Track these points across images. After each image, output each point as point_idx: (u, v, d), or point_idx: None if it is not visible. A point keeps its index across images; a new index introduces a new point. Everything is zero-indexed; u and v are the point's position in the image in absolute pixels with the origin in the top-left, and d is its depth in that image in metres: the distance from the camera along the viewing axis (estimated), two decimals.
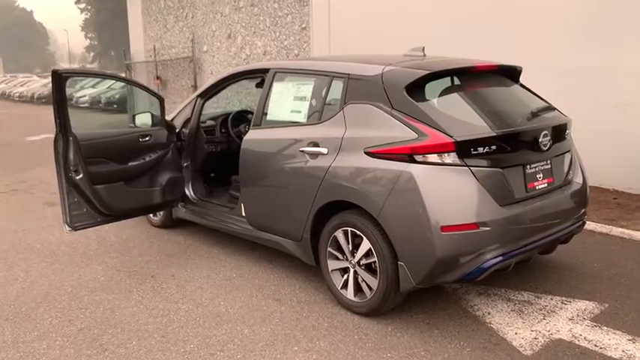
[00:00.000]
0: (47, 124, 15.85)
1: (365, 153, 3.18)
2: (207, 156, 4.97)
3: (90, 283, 4.05)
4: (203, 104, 4.80)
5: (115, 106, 21.71)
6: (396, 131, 3.09)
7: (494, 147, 3.05)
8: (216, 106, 11.63)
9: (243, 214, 4.20)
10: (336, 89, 3.54)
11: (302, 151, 3.56)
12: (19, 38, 75.97)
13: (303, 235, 3.67)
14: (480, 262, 2.98)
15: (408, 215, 2.98)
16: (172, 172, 4.66)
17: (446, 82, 3.45)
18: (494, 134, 3.07)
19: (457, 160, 2.96)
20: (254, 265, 4.29)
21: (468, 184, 2.97)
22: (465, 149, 2.97)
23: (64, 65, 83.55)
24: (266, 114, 4.00)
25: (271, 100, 3.98)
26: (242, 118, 5.24)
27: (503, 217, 3.01)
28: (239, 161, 4.08)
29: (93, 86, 26.73)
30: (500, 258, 3.02)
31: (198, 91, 4.81)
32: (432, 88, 3.32)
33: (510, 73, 3.82)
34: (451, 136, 2.95)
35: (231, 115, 5.16)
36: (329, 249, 3.52)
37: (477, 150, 3.00)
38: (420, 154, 2.97)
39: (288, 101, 3.88)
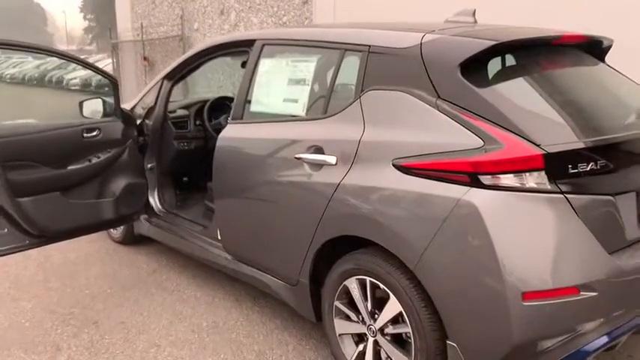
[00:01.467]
0: (28, 108, 14.75)
1: (395, 166, 2.06)
2: (178, 155, 3.84)
3: (7, 332, 2.95)
4: (171, 88, 3.66)
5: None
6: (447, 134, 1.97)
7: (602, 163, 1.93)
8: (207, 91, 10.49)
9: (219, 237, 3.10)
10: (350, 68, 2.41)
11: (299, 158, 2.44)
12: (17, 19, 74.66)
13: (299, 279, 2.56)
14: (579, 344, 1.88)
15: (467, 271, 1.86)
16: (130, 177, 3.53)
17: (512, 60, 2.31)
18: (603, 142, 1.94)
19: (547, 184, 1.84)
20: (233, 307, 3.18)
21: (564, 222, 1.84)
22: (559, 166, 1.85)
23: (61, 47, 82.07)
24: (250, 103, 2.86)
25: (257, 83, 2.84)
26: (223, 107, 4.09)
27: (614, 273, 1.90)
28: (212, 166, 2.97)
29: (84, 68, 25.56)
30: (606, 339, 1.92)
31: (164, 72, 3.67)
32: (496, 69, 2.19)
33: (596, 49, 2.68)
34: (538, 145, 1.83)
35: (208, 103, 4.00)
36: (337, 303, 2.41)
37: (576, 168, 1.87)
38: (488, 174, 1.84)
39: (280, 86, 2.75)
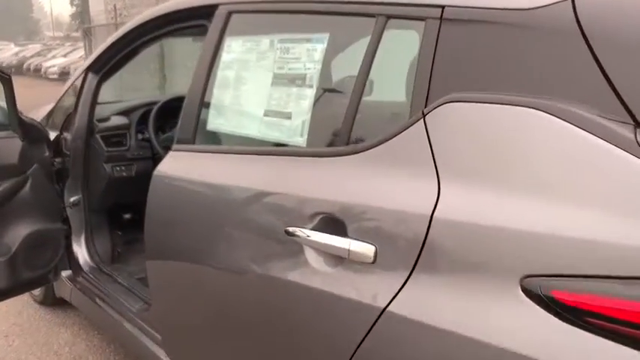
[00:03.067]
0: None
1: (531, 295, 0.84)
2: (112, 184, 2.59)
3: None
4: (99, 85, 2.42)
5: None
6: None
7: None
8: (188, 82, 9.18)
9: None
10: (400, 55, 1.19)
11: (292, 234, 1.21)
12: (1, 6, 72.58)
13: None
14: None
15: None
16: (36, 220, 2.30)
17: None
18: None
19: None
20: None
21: None
22: None
23: (48, 34, 79.80)
24: (206, 117, 1.63)
25: (219, 82, 1.61)
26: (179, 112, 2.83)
27: None
28: (145, 217, 1.76)
29: (64, 55, 24.15)
30: None
31: (88, 61, 2.43)
32: None
33: None
34: None
35: (156, 107, 2.72)
36: None
37: None
38: None
39: (259, 87, 1.51)
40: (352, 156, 1.18)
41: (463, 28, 1.07)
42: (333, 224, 1.14)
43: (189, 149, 1.64)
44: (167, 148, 2.46)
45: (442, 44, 1.09)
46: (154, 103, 2.76)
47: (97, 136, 2.51)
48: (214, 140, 1.61)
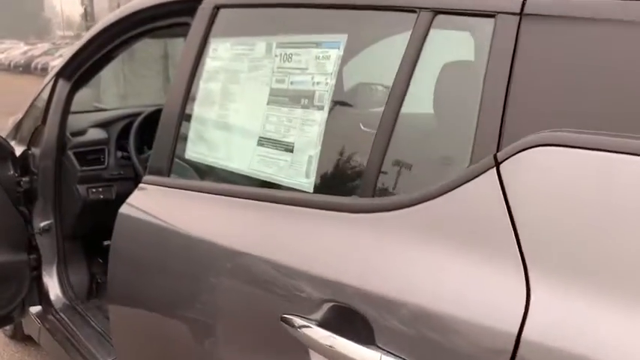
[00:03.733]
0: None
1: None
2: (88, 208, 2.22)
3: None
4: (71, 94, 2.05)
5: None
6: None
7: None
8: None
9: None
10: (451, 66, 0.81)
11: (290, 324, 0.83)
12: (12, 5, 73.08)
13: None
14: None
15: None
16: None
17: None
18: None
19: None
20: None
21: None
22: None
23: (59, 33, 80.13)
24: (184, 142, 1.26)
25: (202, 96, 1.24)
26: None
27: None
28: (108, 259, 1.38)
29: None
30: None
31: (58, 66, 2.07)
32: None
33: None
34: None
35: (139, 120, 2.33)
36: None
37: None
38: None
39: (252, 106, 1.14)
40: (381, 214, 0.80)
41: (558, 30, 0.69)
42: (352, 320, 0.76)
43: (162, 183, 1.26)
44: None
45: (523, 53, 0.71)
46: (139, 114, 2.39)
47: (70, 152, 2.15)
48: (194, 174, 1.24)
